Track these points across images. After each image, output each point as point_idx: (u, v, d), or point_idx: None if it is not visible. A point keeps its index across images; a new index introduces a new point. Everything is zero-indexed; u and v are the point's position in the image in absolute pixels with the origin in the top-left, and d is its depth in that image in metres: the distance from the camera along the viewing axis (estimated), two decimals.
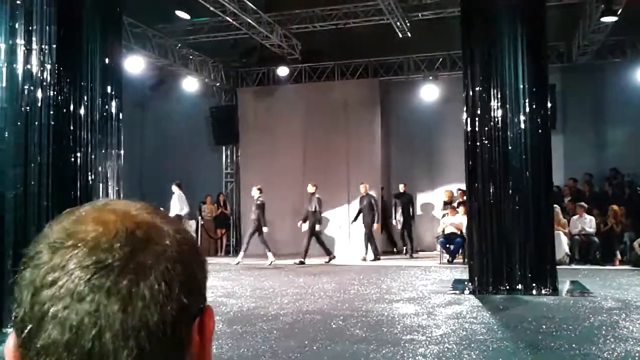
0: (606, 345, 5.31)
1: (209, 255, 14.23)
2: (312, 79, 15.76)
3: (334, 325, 6.46)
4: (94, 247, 0.59)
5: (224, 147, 16.94)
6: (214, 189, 16.59)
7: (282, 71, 15.17)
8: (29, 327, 0.58)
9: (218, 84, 16.13)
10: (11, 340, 0.61)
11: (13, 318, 0.61)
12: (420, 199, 15.70)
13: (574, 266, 11.50)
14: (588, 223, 12.28)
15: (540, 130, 8.93)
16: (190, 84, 15.20)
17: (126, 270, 0.59)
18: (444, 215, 13.61)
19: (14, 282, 0.62)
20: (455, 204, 13.62)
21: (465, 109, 9.31)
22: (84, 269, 0.58)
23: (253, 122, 15.96)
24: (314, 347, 5.49)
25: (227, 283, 10.15)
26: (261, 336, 6.00)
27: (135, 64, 12.85)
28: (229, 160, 17.01)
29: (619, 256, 11.94)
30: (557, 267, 9.03)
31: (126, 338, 0.57)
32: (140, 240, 0.61)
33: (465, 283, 9.26)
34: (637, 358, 4.86)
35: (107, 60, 7.49)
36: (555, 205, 10.75)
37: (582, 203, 12.60)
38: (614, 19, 10.69)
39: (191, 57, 14.76)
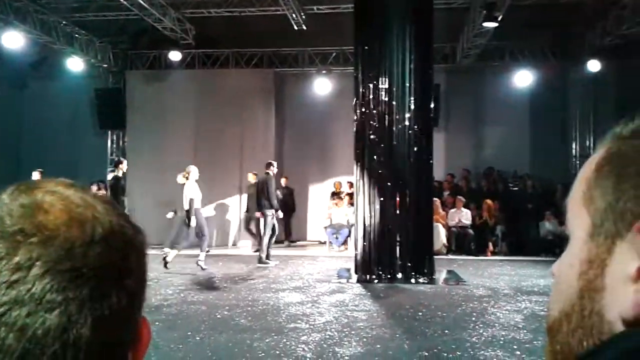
0: (475, 330, 5.71)
1: None
2: (205, 66, 15.47)
3: (218, 316, 6.45)
4: (69, 249, 0.51)
5: (109, 132, 16.22)
6: (97, 175, 15.88)
7: (174, 56, 14.75)
8: None
9: (105, 66, 15.41)
10: None
11: None
12: (312, 189, 15.94)
13: (450, 256, 12.18)
14: (464, 216, 13.07)
15: (423, 128, 9.38)
16: (75, 64, 14.41)
17: (100, 282, 0.51)
18: (331, 207, 13.91)
19: None
20: (342, 195, 13.98)
21: (355, 104, 9.58)
22: (57, 274, 0.50)
23: (142, 107, 15.41)
24: (197, 338, 5.45)
25: None
26: None
27: (13, 40, 11.99)
28: (114, 146, 16.32)
29: (491, 247, 12.81)
30: (435, 257, 9.55)
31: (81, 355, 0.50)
32: (115, 249, 0.53)
33: (350, 272, 9.56)
34: (502, 342, 5.26)
35: None
36: (435, 199, 11.33)
37: (461, 197, 13.38)
38: (495, 25, 11.37)
39: (77, 35, 13.96)
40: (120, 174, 10.92)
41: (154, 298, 7.51)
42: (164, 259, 9.98)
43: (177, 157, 14.53)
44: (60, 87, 15.66)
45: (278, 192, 13.24)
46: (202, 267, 10.14)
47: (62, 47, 13.77)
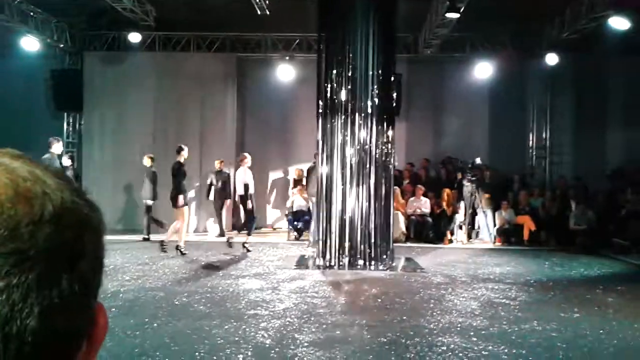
0: (433, 317, 5.80)
1: None
2: (166, 49, 15.18)
3: (177, 302, 6.38)
4: (14, 229, 0.45)
5: (65, 114, 15.79)
6: None
7: (134, 37, 14.42)
8: None
9: (62, 46, 14.95)
10: None
11: None
12: (273, 176, 15.89)
13: (409, 244, 12.33)
14: (423, 204, 13.24)
15: (385, 116, 9.44)
16: (30, 44, 13.93)
17: (49, 267, 0.46)
18: (294, 193, 13.89)
19: None
20: (304, 182, 13.97)
21: (317, 90, 9.56)
22: (1, 256, 0.44)
23: (100, 89, 15.04)
24: (155, 325, 5.39)
25: None
26: None
27: None
28: (70, 128, 15.90)
29: (449, 236, 13.02)
30: (395, 244, 9.66)
31: (23, 345, 0.45)
32: (67, 229, 0.48)
33: (310, 259, 9.60)
34: (459, 328, 5.37)
35: None
36: (395, 187, 11.43)
37: (420, 186, 13.54)
38: (457, 16, 11.48)
39: (32, 14, 13.48)
40: (182, 160, 10.78)
41: (110, 284, 7.38)
42: (228, 240, 11.21)
43: (135, 140, 14.28)
44: (14, 67, 15.13)
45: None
46: (247, 249, 10.69)
47: (16, 25, 13.28)
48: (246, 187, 10.86)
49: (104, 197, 14.62)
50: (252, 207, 10.90)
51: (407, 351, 4.62)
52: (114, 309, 6.00)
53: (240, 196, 11.02)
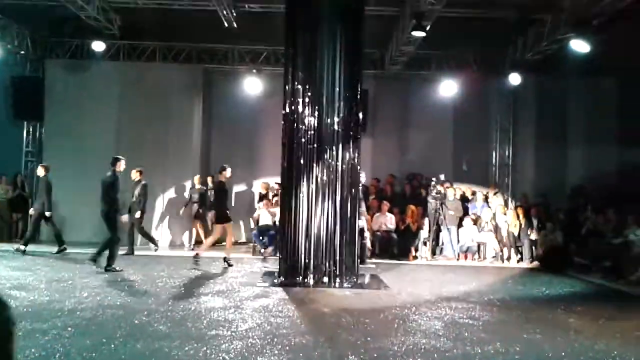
0: (397, 337, 5.76)
1: (1, 241, 12.86)
2: (130, 58, 14.94)
3: (136, 321, 6.20)
4: None
5: (25, 123, 15.37)
6: (10, 168, 15.02)
7: (98, 46, 14.17)
8: None
9: (23, 53, 14.57)
10: None
11: None
12: (238, 189, 15.73)
13: (374, 260, 12.31)
14: (389, 220, 13.26)
15: (351, 132, 9.43)
16: None
17: None
18: (260, 207, 13.74)
19: None
20: (270, 197, 13.85)
21: (283, 105, 9.50)
22: None
23: (62, 97, 14.70)
24: (112, 345, 5.21)
25: (20, 273, 9.25)
26: (53, 334, 5.55)
27: None
28: (30, 137, 15.47)
29: (413, 252, 13.07)
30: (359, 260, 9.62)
31: None
32: None
33: (275, 275, 9.49)
34: (423, 350, 5.33)
35: None
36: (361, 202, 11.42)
37: (386, 202, 13.57)
38: (422, 34, 11.60)
39: None
40: (223, 179, 10.98)
41: (67, 301, 7.15)
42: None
43: (98, 150, 13.94)
44: None
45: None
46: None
47: None
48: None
49: (64, 207, 14.28)
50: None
51: None
52: (70, 328, 5.81)
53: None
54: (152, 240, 13.08)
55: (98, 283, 8.59)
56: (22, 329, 5.71)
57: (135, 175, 12.31)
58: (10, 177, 14.72)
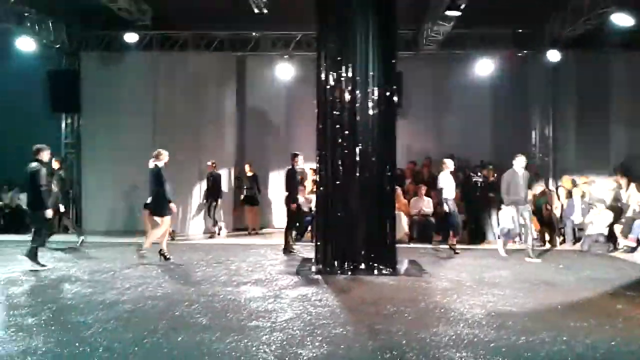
0: (439, 328, 5.65)
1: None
2: (163, 48, 14.99)
3: (177, 313, 6.24)
4: None
5: (63, 115, 15.63)
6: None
7: (130, 37, 14.25)
8: None
9: (58, 46, 14.76)
10: None
11: None
12: (273, 177, 15.72)
13: (412, 245, 12.18)
14: (426, 204, 13.08)
15: (387, 116, 9.26)
16: (26, 44, 13.72)
17: None
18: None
19: None
20: (305, 183, 13.83)
21: (317, 91, 9.38)
22: None
23: (97, 89, 14.86)
24: (154, 338, 5.24)
25: (62, 265, 9.44)
26: (96, 327, 5.62)
27: None
28: (69, 130, 15.73)
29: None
30: (397, 246, 9.49)
31: None
32: None
33: (312, 263, 9.43)
34: (466, 341, 5.21)
35: None
36: (397, 187, 11.29)
37: (423, 185, 13.37)
38: (458, 13, 11.31)
39: (27, 14, 13.31)
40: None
41: (109, 293, 7.25)
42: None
43: (134, 140, 14.11)
44: (11, 68, 14.96)
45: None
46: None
47: (12, 27, 13.10)
48: (441, 190, 11.53)
49: (103, 198, 14.53)
50: (452, 211, 11.46)
51: None
52: (112, 321, 5.88)
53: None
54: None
55: (139, 274, 8.70)
56: (65, 323, 5.80)
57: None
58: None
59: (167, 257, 9.91)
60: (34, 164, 9.22)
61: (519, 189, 10.50)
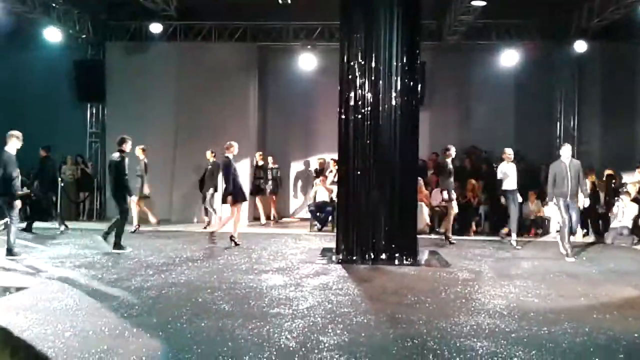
0: (460, 318, 5.65)
1: (69, 220, 13.37)
2: (187, 38, 15.11)
3: (200, 299, 6.33)
4: None
5: (88, 105, 15.84)
6: (76, 149, 15.57)
7: (155, 27, 14.39)
8: None
9: (84, 37, 14.96)
10: None
11: None
12: (294, 167, 15.79)
13: (433, 236, 12.16)
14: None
15: (410, 107, 9.24)
16: (53, 35, 13.94)
17: None
18: (318, 184, 13.78)
19: None
20: (327, 173, 13.86)
21: (340, 81, 9.39)
22: None
23: (122, 79, 15.06)
24: (178, 324, 5.33)
25: (88, 252, 9.61)
26: (121, 312, 5.74)
27: None
28: (94, 119, 15.95)
29: (474, 227, 12.82)
30: (418, 236, 9.50)
31: None
32: None
33: (333, 252, 9.48)
34: (487, 331, 5.21)
35: None
36: (418, 178, 11.24)
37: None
38: (483, 3, 11.20)
39: (54, 5, 13.51)
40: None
41: (134, 279, 7.38)
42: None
43: (158, 130, 14.27)
44: (37, 58, 15.24)
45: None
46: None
47: (39, 17, 13.31)
48: (499, 182, 11.23)
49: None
50: (507, 204, 11.14)
51: (435, 357, 4.50)
52: (137, 307, 5.98)
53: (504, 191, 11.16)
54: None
55: (163, 261, 8.83)
56: (90, 308, 5.93)
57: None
58: (73, 157, 15.27)
59: (237, 242, 10.38)
60: (116, 154, 9.83)
61: (566, 181, 9.64)
